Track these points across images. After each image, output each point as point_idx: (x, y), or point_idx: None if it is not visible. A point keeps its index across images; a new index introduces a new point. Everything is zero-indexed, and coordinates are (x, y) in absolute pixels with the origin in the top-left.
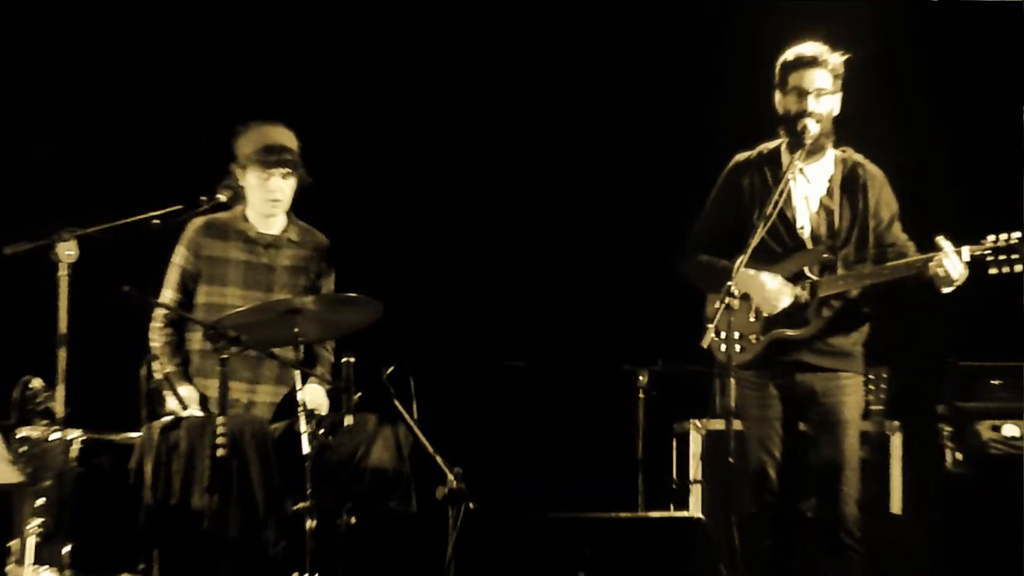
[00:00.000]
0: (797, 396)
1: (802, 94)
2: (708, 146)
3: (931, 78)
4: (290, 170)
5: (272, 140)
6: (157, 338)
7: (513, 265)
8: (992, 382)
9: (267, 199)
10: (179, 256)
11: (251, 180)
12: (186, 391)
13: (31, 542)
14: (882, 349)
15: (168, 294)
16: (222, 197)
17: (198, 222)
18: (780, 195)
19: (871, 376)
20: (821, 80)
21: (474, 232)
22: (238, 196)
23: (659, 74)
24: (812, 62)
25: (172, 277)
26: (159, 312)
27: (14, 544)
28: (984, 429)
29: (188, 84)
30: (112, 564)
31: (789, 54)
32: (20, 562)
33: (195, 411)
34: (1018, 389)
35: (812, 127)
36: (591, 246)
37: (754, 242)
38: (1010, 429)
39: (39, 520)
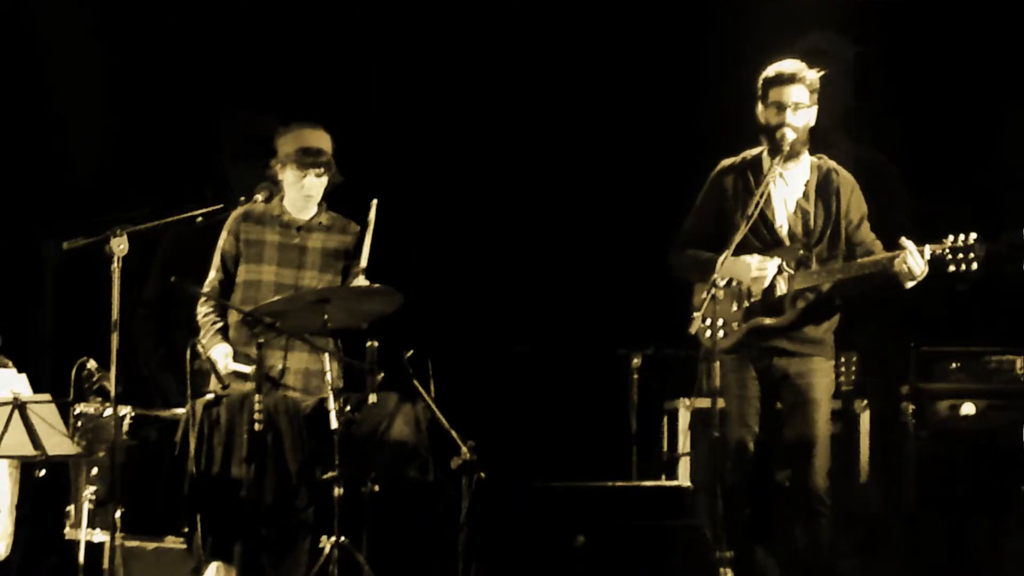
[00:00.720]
0: (773, 377)
1: (781, 108)
2: (699, 146)
3: (899, 83)
4: (323, 170)
5: (309, 143)
6: (201, 309)
7: (519, 260)
8: (951, 365)
9: (302, 195)
10: (222, 240)
11: (288, 177)
12: (221, 349)
13: (86, 507)
14: (852, 335)
15: (212, 274)
16: (259, 197)
17: (239, 211)
18: (761, 197)
19: (843, 359)
20: (798, 95)
21: (484, 231)
22: (273, 195)
23: (656, 77)
24: (791, 79)
25: (216, 259)
26: (206, 290)
27: (71, 509)
28: (943, 407)
29: (232, 87)
30: (159, 527)
31: (770, 71)
32: (76, 525)
33: (227, 364)
34: (974, 372)
35: (790, 135)
36: (590, 242)
37: (737, 239)
38: (967, 408)
39: (93, 487)
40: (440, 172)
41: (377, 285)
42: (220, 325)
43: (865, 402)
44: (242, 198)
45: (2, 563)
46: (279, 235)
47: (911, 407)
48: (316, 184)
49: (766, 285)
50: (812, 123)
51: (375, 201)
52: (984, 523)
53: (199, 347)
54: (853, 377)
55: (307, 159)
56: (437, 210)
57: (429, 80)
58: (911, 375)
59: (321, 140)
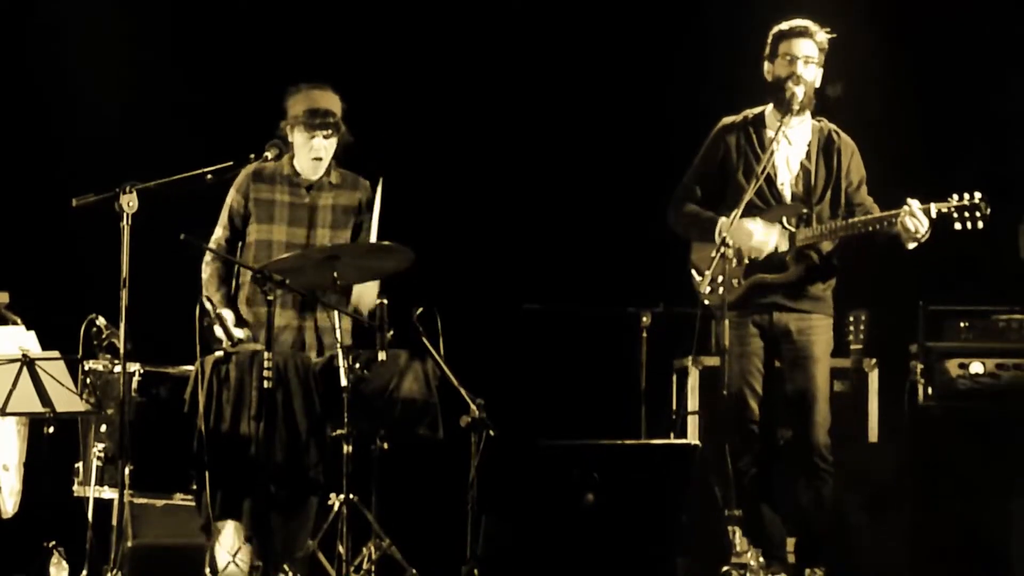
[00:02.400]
0: (774, 334)
1: (792, 60)
2: (711, 111)
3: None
4: (332, 132)
5: (317, 104)
6: (207, 267)
7: (530, 217)
8: (960, 324)
9: (311, 156)
10: (230, 198)
11: (297, 138)
12: (227, 314)
13: (95, 464)
14: (861, 293)
15: (219, 231)
16: (269, 155)
17: (248, 169)
18: (770, 156)
19: (851, 318)
20: (808, 48)
21: (495, 188)
22: (283, 154)
23: (662, 37)
24: (803, 32)
25: (223, 216)
26: (212, 246)
27: (80, 465)
28: (952, 367)
29: (240, 46)
30: (168, 484)
31: (783, 25)
32: (85, 482)
33: (231, 330)
34: (983, 330)
35: (799, 91)
36: (601, 199)
37: (744, 200)
38: (976, 367)
39: (103, 444)
40: (451, 128)
41: (387, 243)
42: (225, 290)
43: (874, 361)
44: (252, 155)
45: (11, 520)
46: (289, 195)
47: (920, 366)
48: (325, 145)
49: (763, 256)
50: (818, 83)
51: (380, 180)
52: (993, 482)
53: (209, 304)
54: (862, 335)
55: (316, 120)
56: (448, 166)
57: (441, 37)
58: (920, 334)
59: (330, 101)
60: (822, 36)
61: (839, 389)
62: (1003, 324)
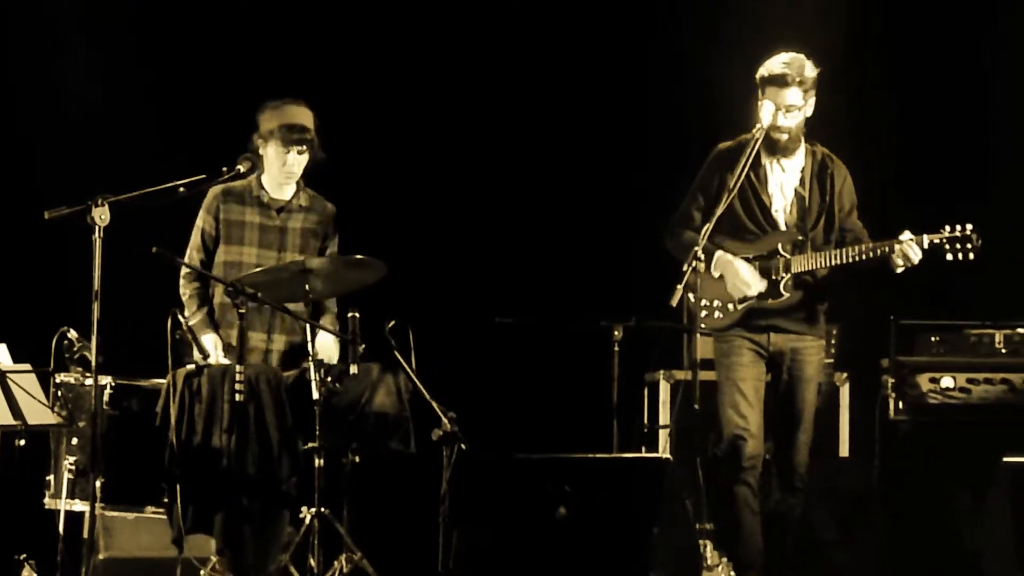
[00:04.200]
0: (770, 354)
1: (775, 110)
2: (685, 125)
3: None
4: (306, 148)
5: (293, 119)
6: (185, 289)
7: (502, 231)
8: (931, 338)
9: (283, 171)
10: (201, 220)
11: (270, 153)
12: (210, 338)
13: (67, 477)
14: (833, 308)
15: (193, 255)
16: (241, 168)
17: (217, 189)
18: (735, 188)
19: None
20: (792, 98)
21: (468, 202)
22: (255, 167)
23: (645, 52)
24: (783, 81)
25: (195, 239)
26: (185, 272)
27: (52, 478)
28: (923, 381)
29: (214, 61)
30: (140, 497)
31: (764, 70)
32: (56, 495)
33: (218, 356)
34: (954, 345)
35: (783, 137)
36: (573, 214)
37: (719, 211)
38: (947, 381)
39: (74, 457)
40: (424, 142)
41: (360, 256)
42: (207, 309)
43: (845, 375)
44: (224, 168)
45: None
46: (259, 216)
47: (891, 380)
48: (299, 161)
49: (741, 297)
50: (809, 114)
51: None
52: (965, 497)
53: (180, 317)
54: (833, 350)
55: (292, 135)
56: (421, 180)
57: (411, 49)
58: (891, 348)
59: (305, 117)
60: (808, 74)
61: None
62: (974, 339)
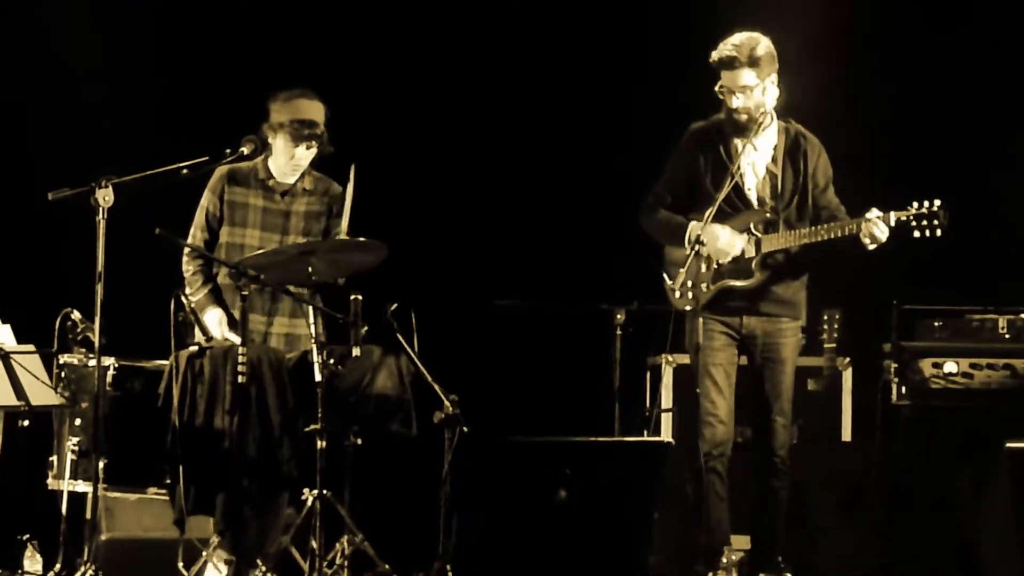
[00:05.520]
0: (743, 336)
1: (729, 92)
2: (689, 107)
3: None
4: (314, 143)
5: (304, 114)
6: (188, 267)
7: (504, 213)
8: (934, 323)
9: (290, 163)
10: (205, 199)
11: (279, 144)
12: (214, 314)
13: (69, 458)
14: (835, 292)
15: (196, 233)
16: (245, 150)
17: (223, 170)
18: (735, 172)
19: (825, 317)
20: (745, 79)
21: (469, 184)
22: (259, 149)
23: (636, 40)
24: (732, 63)
25: (199, 218)
26: (188, 248)
27: (54, 459)
28: (926, 366)
29: (218, 41)
30: (142, 478)
31: (716, 54)
32: (59, 476)
33: (223, 332)
34: (956, 330)
35: (743, 118)
36: (575, 196)
37: (712, 210)
38: (949, 366)
39: (76, 438)
40: (426, 124)
41: (362, 238)
42: (211, 287)
43: (848, 360)
44: (227, 150)
45: None
46: (263, 199)
47: (893, 365)
48: (306, 155)
49: (728, 259)
50: (773, 93)
51: (353, 165)
52: (966, 482)
53: (184, 299)
54: (836, 335)
55: (302, 131)
56: (422, 162)
57: (414, 35)
58: (893, 333)
59: (316, 112)
60: (760, 51)
61: (812, 388)
62: (976, 324)
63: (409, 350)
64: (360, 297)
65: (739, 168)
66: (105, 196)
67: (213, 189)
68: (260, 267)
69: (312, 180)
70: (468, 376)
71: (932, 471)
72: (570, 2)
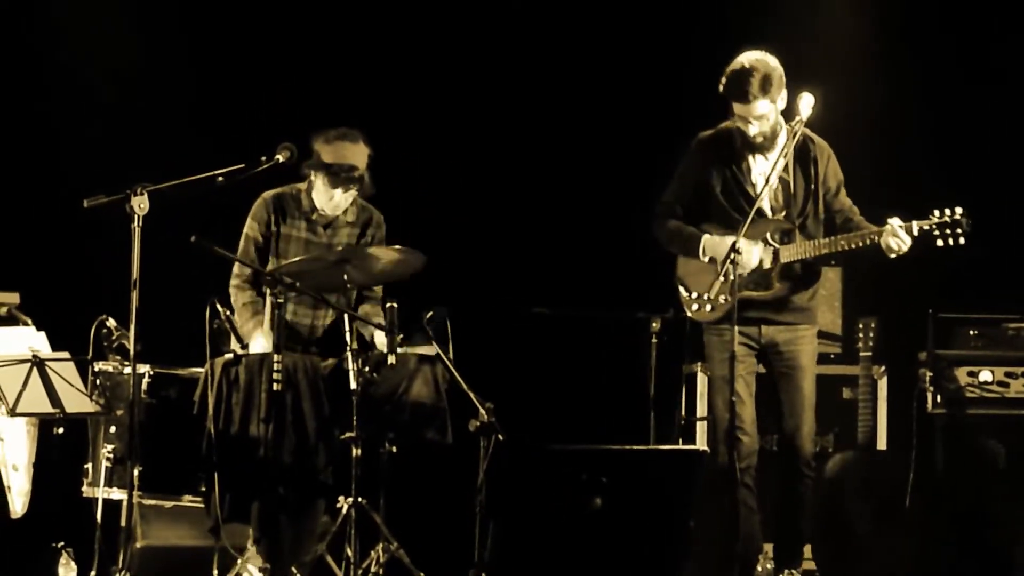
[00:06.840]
0: (762, 346)
1: (743, 119)
2: (715, 110)
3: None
4: (352, 186)
5: (344, 159)
6: (238, 297)
7: (540, 221)
8: (970, 332)
9: (329, 204)
10: (248, 227)
11: (319, 184)
12: (262, 341)
13: (104, 465)
14: (871, 300)
15: (241, 269)
16: (280, 157)
17: (267, 195)
18: (728, 172)
19: (861, 325)
20: (760, 108)
21: (506, 191)
22: (294, 156)
23: (671, 45)
24: (747, 96)
25: (243, 245)
26: (237, 272)
27: (89, 466)
28: (961, 375)
29: (251, 47)
30: (177, 486)
31: (724, 87)
32: (94, 483)
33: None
34: (992, 339)
35: (759, 140)
36: (612, 204)
37: (744, 226)
38: (985, 375)
39: (111, 446)
40: (463, 132)
41: (398, 247)
42: (260, 317)
43: (883, 368)
44: (263, 157)
45: (20, 520)
46: (306, 231)
47: (929, 374)
48: (345, 198)
49: (746, 272)
50: (783, 106)
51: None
52: (1002, 490)
53: (219, 308)
54: (872, 343)
55: (341, 175)
56: (460, 170)
57: (451, 41)
58: (929, 342)
59: (357, 156)
60: (772, 75)
61: (848, 396)
62: (1012, 332)
63: (445, 358)
64: (396, 305)
65: (748, 175)
66: (140, 203)
67: (255, 216)
68: (296, 275)
69: (355, 211)
70: (504, 384)
71: (968, 480)
72: (604, 8)
